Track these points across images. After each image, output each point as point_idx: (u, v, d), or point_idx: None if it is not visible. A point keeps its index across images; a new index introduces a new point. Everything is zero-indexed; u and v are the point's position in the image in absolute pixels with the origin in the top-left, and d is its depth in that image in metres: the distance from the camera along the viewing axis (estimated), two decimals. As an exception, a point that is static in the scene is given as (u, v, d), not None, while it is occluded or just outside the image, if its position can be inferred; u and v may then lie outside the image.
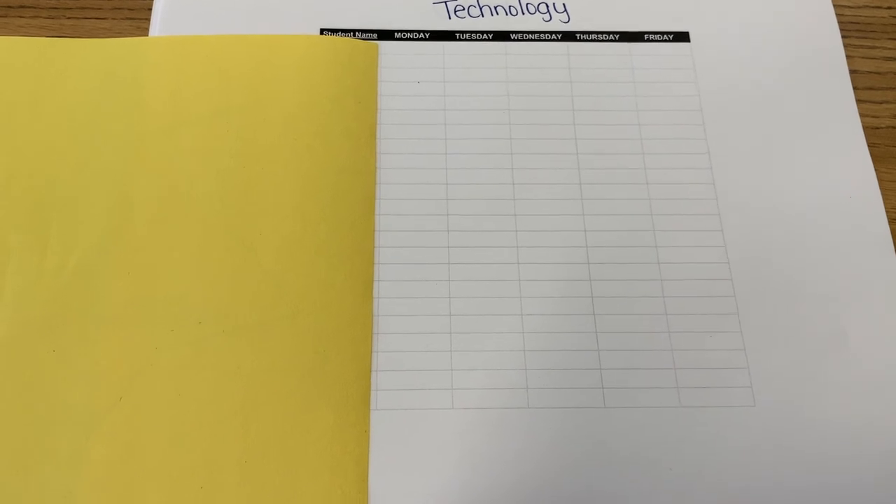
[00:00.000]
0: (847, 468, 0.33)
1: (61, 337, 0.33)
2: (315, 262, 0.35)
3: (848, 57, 0.42)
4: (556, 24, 0.42)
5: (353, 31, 0.41)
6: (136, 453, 0.31)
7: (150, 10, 0.41)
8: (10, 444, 0.31)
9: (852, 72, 0.41)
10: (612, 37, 0.42)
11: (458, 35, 0.41)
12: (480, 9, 0.42)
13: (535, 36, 0.42)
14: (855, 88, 0.41)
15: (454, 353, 0.34)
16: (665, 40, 0.42)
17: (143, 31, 0.41)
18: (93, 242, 0.35)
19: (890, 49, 0.43)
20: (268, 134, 0.38)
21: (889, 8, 0.44)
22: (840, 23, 0.43)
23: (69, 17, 0.42)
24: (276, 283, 0.34)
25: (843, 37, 0.42)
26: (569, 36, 0.42)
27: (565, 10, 0.42)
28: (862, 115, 0.40)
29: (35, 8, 0.42)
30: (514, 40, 0.41)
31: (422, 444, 0.33)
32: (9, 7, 0.42)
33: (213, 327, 0.33)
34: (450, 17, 0.42)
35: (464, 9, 0.42)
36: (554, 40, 0.42)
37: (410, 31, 0.41)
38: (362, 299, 0.35)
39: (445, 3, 0.42)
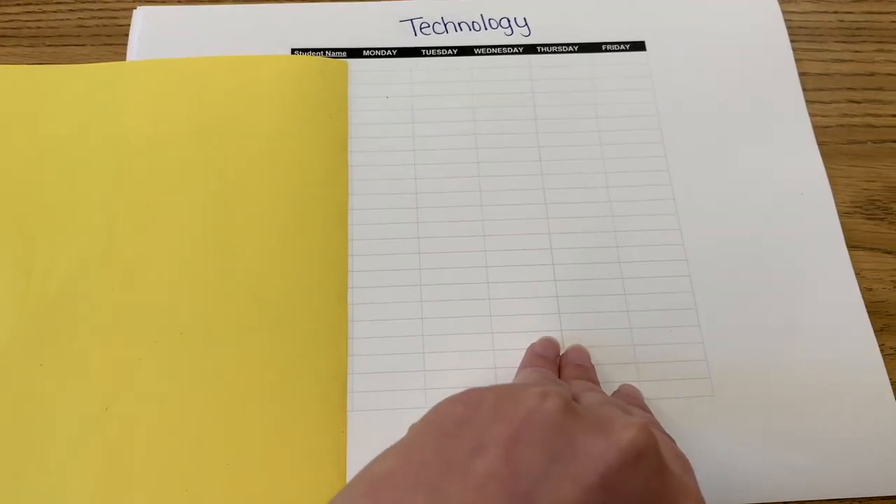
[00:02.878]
0: (805, 451, 0.34)
1: (49, 350, 0.34)
2: (291, 271, 0.37)
3: (797, 60, 0.44)
4: (518, 38, 0.44)
5: (323, 51, 0.43)
6: (123, 459, 0.33)
7: (128, 35, 0.43)
8: (2, 454, 0.33)
9: (802, 74, 0.43)
10: (571, 48, 0.44)
11: (424, 51, 0.43)
12: (445, 25, 0.44)
13: (498, 50, 0.43)
14: (804, 90, 0.43)
15: (427, 355, 0.36)
16: (622, 50, 0.44)
17: (121, 56, 0.43)
18: (78, 259, 0.36)
19: (837, 51, 0.45)
20: (244, 150, 0.39)
21: (835, 12, 0.46)
22: (789, 27, 0.45)
23: (49, 45, 0.44)
24: (254, 294, 0.36)
25: (792, 41, 0.44)
26: (530, 49, 0.44)
27: (526, 24, 0.44)
28: (812, 115, 0.42)
29: (16, 37, 0.44)
30: (478, 54, 0.43)
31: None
32: (-10, 37, 0.44)
33: (195, 336, 0.35)
34: (416, 34, 0.44)
35: (429, 26, 0.44)
36: (516, 53, 0.43)
37: (378, 49, 0.43)
38: (337, 305, 0.36)
39: (411, 20, 0.44)
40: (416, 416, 0.34)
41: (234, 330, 0.35)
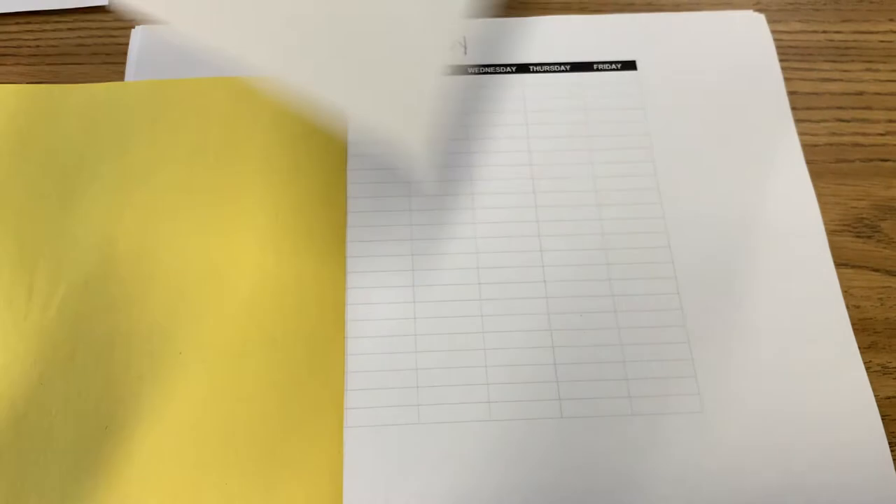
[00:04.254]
0: (795, 464, 0.35)
1: (48, 369, 0.35)
2: (289, 290, 0.37)
3: (787, 79, 0.44)
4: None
5: (320, 69, 0.43)
6: (121, 479, 0.33)
7: (126, 54, 0.44)
8: (0, 473, 0.33)
9: (791, 93, 0.44)
10: (563, 68, 0.44)
11: (418, 70, 0.44)
12: (439, 44, 0.45)
13: (491, 69, 0.44)
14: (794, 109, 0.43)
15: (420, 371, 0.36)
16: (614, 69, 0.44)
17: (120, 75, 0.43)
18: (77, 279, 0.37)
19: (826, 70, 0.45)
20: (243, 170, 0.40)
21: (824, 31, 0.46)
22: (778, 47, 0.45)
23: (49, 64, 0.44)
24: (252, 313, 0.36)
25: (781, 60, 0.45)
26: (522, 68, 0.44)
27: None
28: (801, 134, 0.43)
29: (16, 55, 0.44)
30: (471, 74, 0.44)
31: (391, 458, 0.35)
32: (-9, 56, 0.44)
33: (193, 357, 0.35)
34: (410, 53, 0.44)
35: (423, 45, 0.45)
36: (508, 73, 0.44)
37: (373, 68, 0.44)
38: (335, 324, 0.37)
39: (406, 39, 0.45)
40: (408, 431, 0.35)
41: (231, 350, 0.36)
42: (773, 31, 0.46)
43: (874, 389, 0.36)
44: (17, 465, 0.33)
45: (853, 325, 0.38)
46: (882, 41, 0.46)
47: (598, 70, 0.44)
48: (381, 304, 0.38)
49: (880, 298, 0.39)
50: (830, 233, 0.40)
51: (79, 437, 0.34)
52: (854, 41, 0.46)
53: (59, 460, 0.33)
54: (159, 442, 0.34)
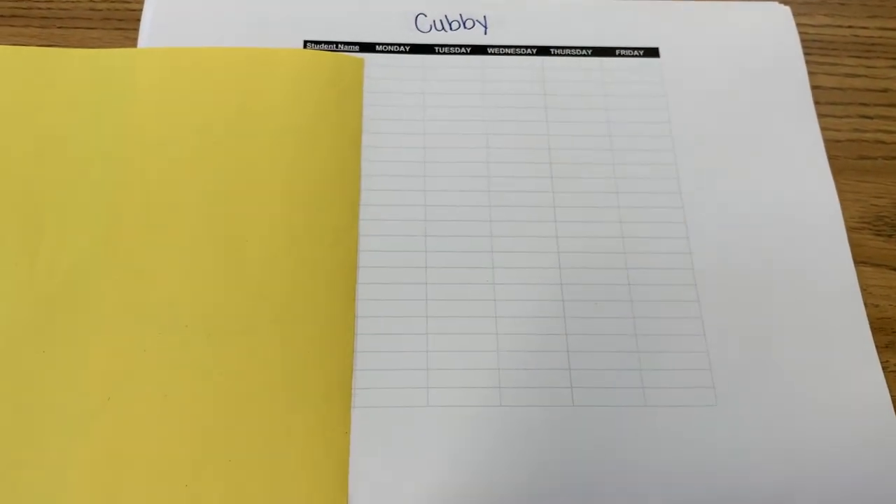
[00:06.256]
0: (808, 462, 0.34)
1: (51, 338, 0.34)
2: (299, 267, 0.36)
3: (810, 73, 0.44)
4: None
5: (336, 44, 0.43)
6: (122, 452, 0.32)
7: (139, 20, 0.43)
8: (0, 441, 0.32)
9: (815, 87, 0.43)
10: (584, 52, 0.43)
11: (437, 48, 0.43)
12: (462, 23, 0.44)
13: (512, 50, 0.43)
14: (817, 103, 0.43)
15: (430, 354, 0.36)
16: (636, 55, 0.43)
17: (132, 41, 0.42)
18: (84, 247, 0.36)
19: (850, 66, 0.45)
20: (254, 145, 0.39)
21: (850, 27, 0.46)
22: (803, 40, 0.44)
23: (59, 27, 0.43)
24: (261, 288, 0.36)
25: (805, 54, 0.44)
26: (543, 50, 0.43)
27: (541, 25, 0.44)
28: (823, 129, 0.42)
29: (26, 17, 0.43)
30: (491, 54, 0.43)
31: (398, 440, 0.34)
32: (0, 16, 0.43)
33: (200, 330, 0.35)
34: (429, 31, 0.43)
35: (444, 22, 0.44)
36: (529, 54, 0.43)
37: (391, 45, 0.43)
38: (345, 302, 0.36)
39: (425, 16, 0.44)
40: (417, 414, 0.34)
41: (239, 325, 0.35)
42: (797, 25, 0.45)
43: (891, 389, 0.36)
44: (18, 432, 0.32)
45: (871, 323, 0.37)
46: (908, 39, 0.45)
47: (620, 56, 0.43)
48: (393, 284, 0.37)
49: (899, 298, 0.38)
50: (850, 229, 0.40)
51: (81, 407, 0.33)
52: (880, 38, 0.45)
53: (60, 429, 0.33)
54: (163, 416, 0.33)
